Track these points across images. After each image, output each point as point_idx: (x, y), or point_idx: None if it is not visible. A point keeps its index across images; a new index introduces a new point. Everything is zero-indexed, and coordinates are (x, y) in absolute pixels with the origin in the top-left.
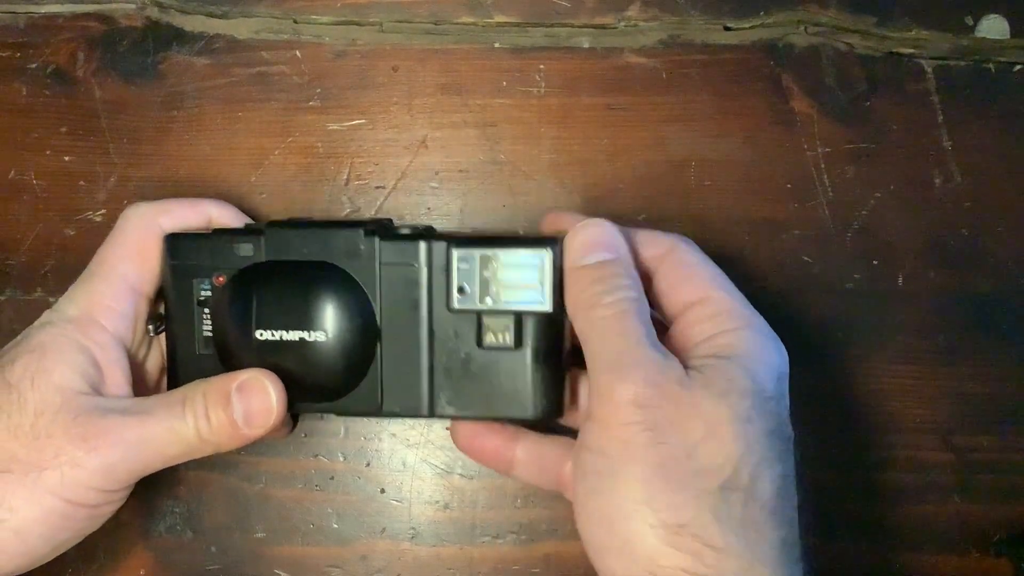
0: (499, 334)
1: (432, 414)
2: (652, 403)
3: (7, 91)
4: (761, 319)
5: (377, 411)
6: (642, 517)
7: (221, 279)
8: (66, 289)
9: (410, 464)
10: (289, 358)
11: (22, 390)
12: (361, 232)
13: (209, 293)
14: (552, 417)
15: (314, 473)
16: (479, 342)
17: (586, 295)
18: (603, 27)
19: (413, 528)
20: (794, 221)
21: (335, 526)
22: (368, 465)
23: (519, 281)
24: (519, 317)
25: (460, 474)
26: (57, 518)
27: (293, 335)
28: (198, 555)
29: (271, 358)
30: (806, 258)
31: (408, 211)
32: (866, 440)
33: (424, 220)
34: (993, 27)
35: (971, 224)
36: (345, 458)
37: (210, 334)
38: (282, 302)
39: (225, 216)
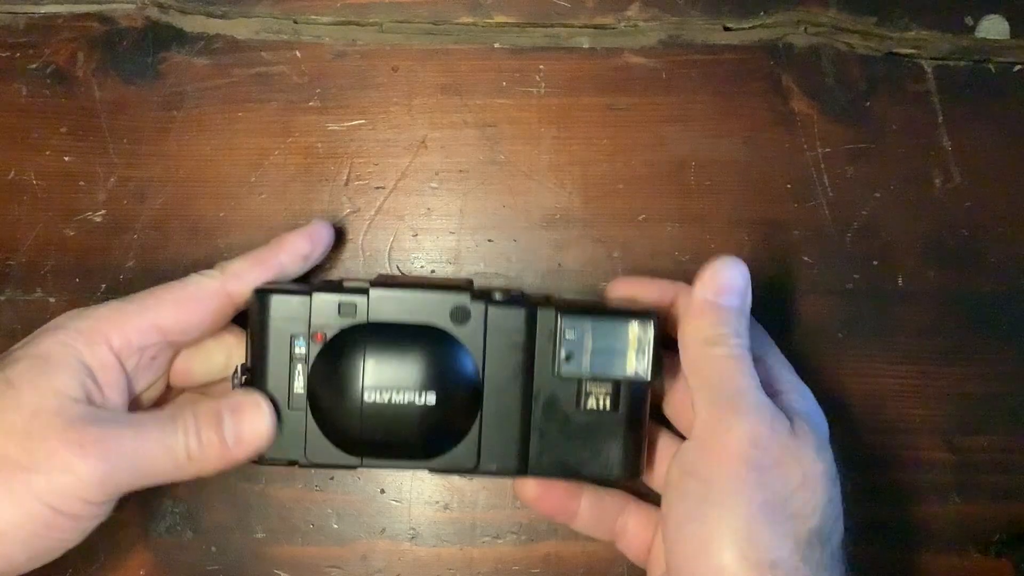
0: (599, 398)
1: (525, 473)
2: (765, 445)
3: (7, 91)
4: (804, 392)
5: (473, 469)
6: (739, 549)
7: (320, 336)
8: (66, 289)
9: None
10: (396, 419)
11: (20, 389)
12: (468, 296)
13: (304, 350)
14: (634, 478)
15: (314, 473)
16: (578, 405)
17: (713, 332)
18: (603, 27)
19: (413, 528)
20: (794, 221)
21: (335, 526)
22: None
23: (623, 349)
24: (618, 383)
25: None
26: (39, 525)
27: (402, 396)
28: (198, 555)
29: (377, 419)
30: (806, 258)
31: (408, 211)
32: (866, 440)
33: (424, 220)
34: (993, 27)
35: (971, 224)
36: None
37: (303, 392)
38: (392, 364)
39: (296, 261)
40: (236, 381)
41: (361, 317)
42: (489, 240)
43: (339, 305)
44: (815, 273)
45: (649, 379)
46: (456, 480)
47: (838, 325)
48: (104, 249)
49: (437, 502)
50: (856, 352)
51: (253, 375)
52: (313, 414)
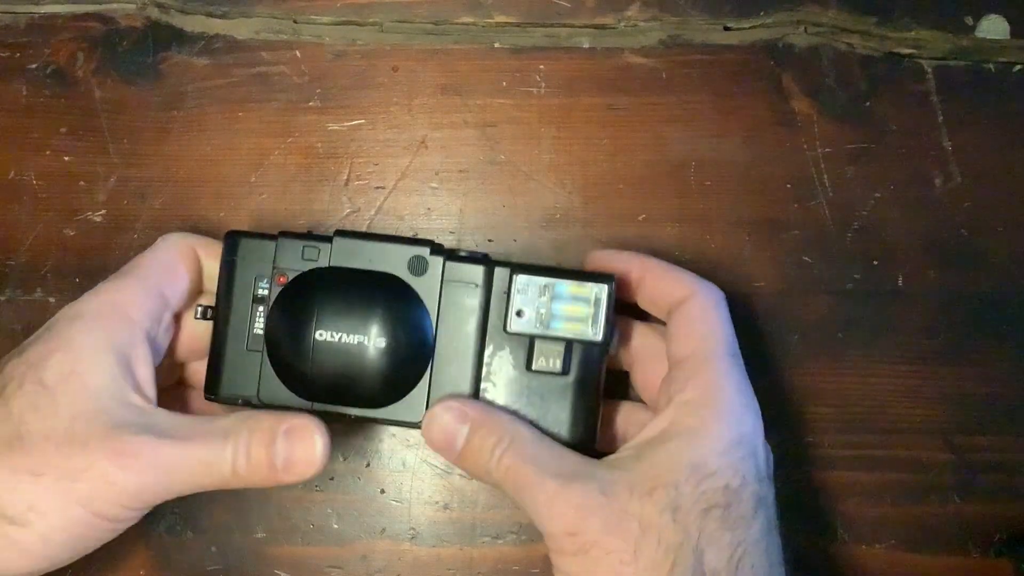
0: (549, 359)
1: None
2: (579, 526)
3: (7, 91)
4: (734, 389)
5: (418, 424)
6: None
7: (283, 279)
8: (66, 289)
9: (410, 464)
10: (344, 361)
11: (55, 391)
12: (428, 249)
13: (267, 291)
14: (587, 444)
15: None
16: (528, 365)
17: (479, 470)
18: (603, 27)
19: (413, 528)
20: (794, 221)
21: (335, 526)
22: (368, 465)
23: (575, 311)
24: (569, 345)
25: (460, 474)
26: (82, 528)
27: (353, 339)
28: (198, 555)
29: (326, 359)
30: (806, 258)
31: (408, 211)
32: (866, 440)
33: (424, 220)
34: (993, 27)
35: (971, 224)
36: (345, 458)
37: (261, 332)
38: (346, 306)
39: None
40: (197, 314)
41: (323, 262)
42: (489, 240)
43: (303, 249)
44: (815, 273)
45: (601, 341)
46: (456, 480)
47: (838, 325)
48: (104, 249)
49: (437, 502)
50: (856, 352)
51: (217, 313)
52: (269, 355)
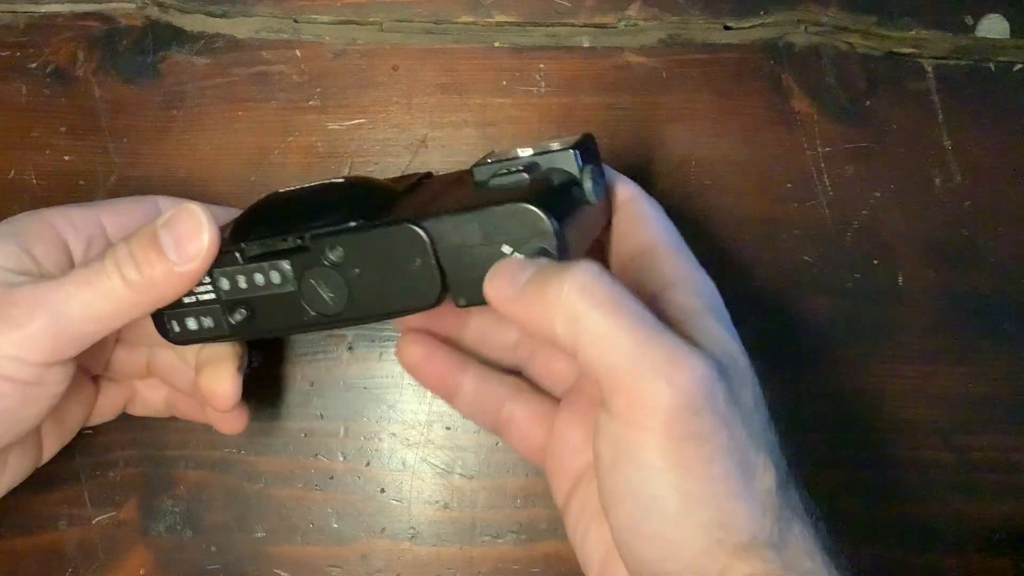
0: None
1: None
2: (708, 405)
3: (7, 91)
4: (707, 277)
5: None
6: (716, 541)
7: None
8: None
9: (410, 464)
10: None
11: None
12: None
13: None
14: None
15: (314, 473)
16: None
17: (552, 300)
18: (603, 27)
19: (413, 528)
20: (794, 221)
21: (335, 526)
22: (368, 465)
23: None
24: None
25: (460, 474)
26: None
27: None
28: (198, 555)
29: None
30: (806, 258)
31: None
32: (866, 440)
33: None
34: (993, 27)
35: (971, 224)
36: (345, 458)
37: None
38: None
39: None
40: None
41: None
42: None
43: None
44: (815, 273)
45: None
46: (456, 480)
47: (838, 325)
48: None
49: (437, 501)
50: (856, 352)
51: None
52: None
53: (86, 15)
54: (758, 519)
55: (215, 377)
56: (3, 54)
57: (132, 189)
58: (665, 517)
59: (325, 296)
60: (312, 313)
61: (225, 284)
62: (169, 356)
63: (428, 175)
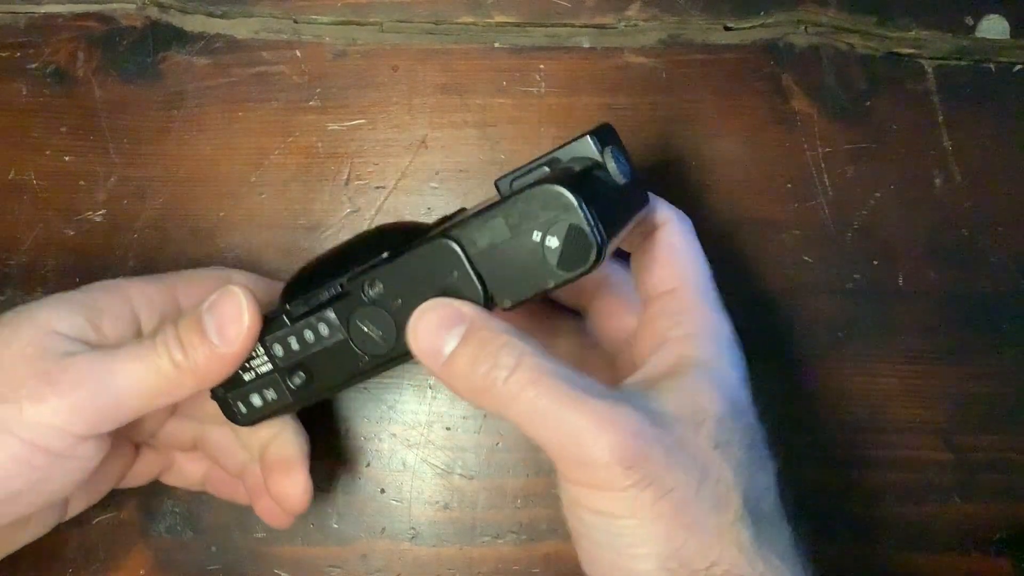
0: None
1: None
2: (640, 457)
3: (7, 91)
4: (725, 323)
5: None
6: (669, 569)
7: None
8: (66, 289)
9: (410, 464)
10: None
11: (4, 326)
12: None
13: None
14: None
15: (314, 473)
16: None
17: (483, 383)
18: (603, 27)
19: (413, 528)
20: (794, 221)
21: (335, 526)
22: (368, 465)
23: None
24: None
25: (460, 474)
26: (11, 460)
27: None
28: (198, 555)
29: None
30: (806, 258)
31: (408, 211)
32: (866, 440)
33: (424, 220)
34: (993, 27)
35: (971, 224)
36: (345, 458)
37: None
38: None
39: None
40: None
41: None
42: None
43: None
44: (815, 273)
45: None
46: (456, 480)
47: (838, 325)
48: (104, 249)
49: (437, 502)
50: (856, 352)
51: None
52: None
53: (86, 15)
54: (715, 549)
55: (288, 481)
56: (3, 54)
57: (132, 189)
58: (619, 554)
59: (374, 336)
60: (366, 357)
61: (279, 350)
62: (223, 436)
63: (462, 209)
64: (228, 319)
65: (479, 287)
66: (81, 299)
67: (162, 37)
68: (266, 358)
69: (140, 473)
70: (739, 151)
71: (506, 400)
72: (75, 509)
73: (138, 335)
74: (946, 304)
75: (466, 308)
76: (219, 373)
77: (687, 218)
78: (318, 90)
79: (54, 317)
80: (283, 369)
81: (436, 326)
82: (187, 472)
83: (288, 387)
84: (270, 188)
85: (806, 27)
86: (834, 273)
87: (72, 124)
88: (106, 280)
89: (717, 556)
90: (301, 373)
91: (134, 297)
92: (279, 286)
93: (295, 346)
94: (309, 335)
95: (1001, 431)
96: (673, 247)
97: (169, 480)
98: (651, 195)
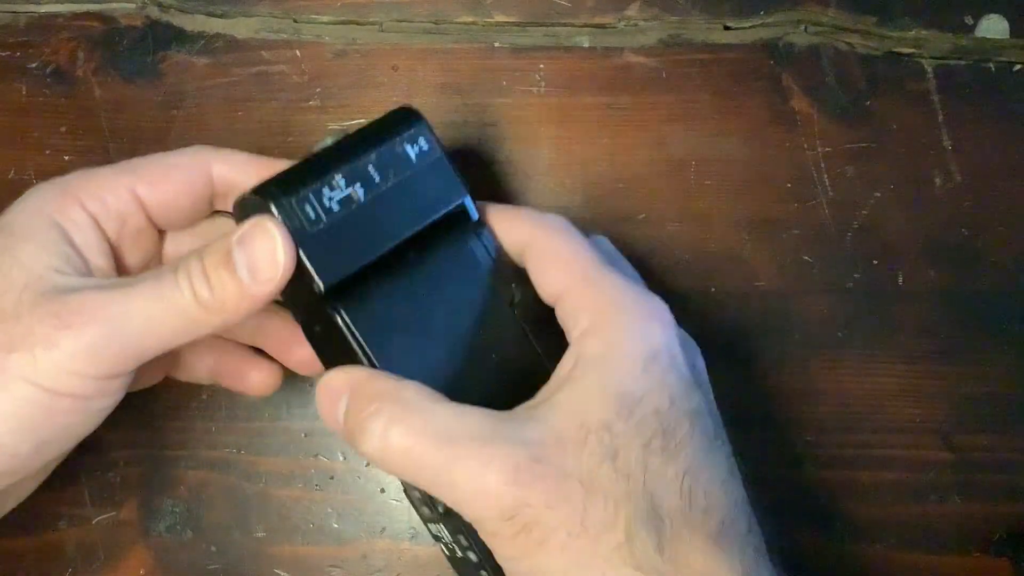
0: None
1: None
2: (517, 503)
3: (7, 91)
4: (629, 299)
5: None
6: None
7: None
8: None
9: None
10: None
11: None
12: None
13: None
14: None
15: (314, 473)
16: None
17: (371, 453)
18: (603, 27)
19: (413, 528)
20: (794, 221)
21: (335, 526)
22: (368, 465)
23: None
24: None
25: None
26: (37, 410)
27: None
28: (198, 555)
29: None
30: (806, 258)
31: None
32: (866, 440)
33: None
34: (993, 27)
35: (971, 224)
36: (345, 458)
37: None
38: None
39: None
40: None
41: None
42: None
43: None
44: (815, 273)
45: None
46: None
47: (838, 325)
48: None
49: None
50: (856, 352)
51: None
52: None
53: (86, 15)
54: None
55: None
56: (3, 54)
57: None
58: None
59: None
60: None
61: None
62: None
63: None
64: (261, 257)
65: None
66: (40, 217)
67: (162, 37)
68: None
69: (148, 375)
70: (739, 151)
71: (396, 468)
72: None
73: (108, 248)
74: (946, 304)
75: (350, 374)
76: (248, 311)
77: (555, 216)
78: (318, 90)
79: (41, 253)
80: None
81: (328, 400)
82: (195, 366)
83: None
84: None
85: (806, 27)
86: (834, 273)
87: (72, 124)
88: (48, 187)
89: None
90: None
91: (87, 202)
92: (279, 164)
93: None
94: None
95: (1001, 431)
96: (547, 251)
97: (179, 375)
98: (517, 209)
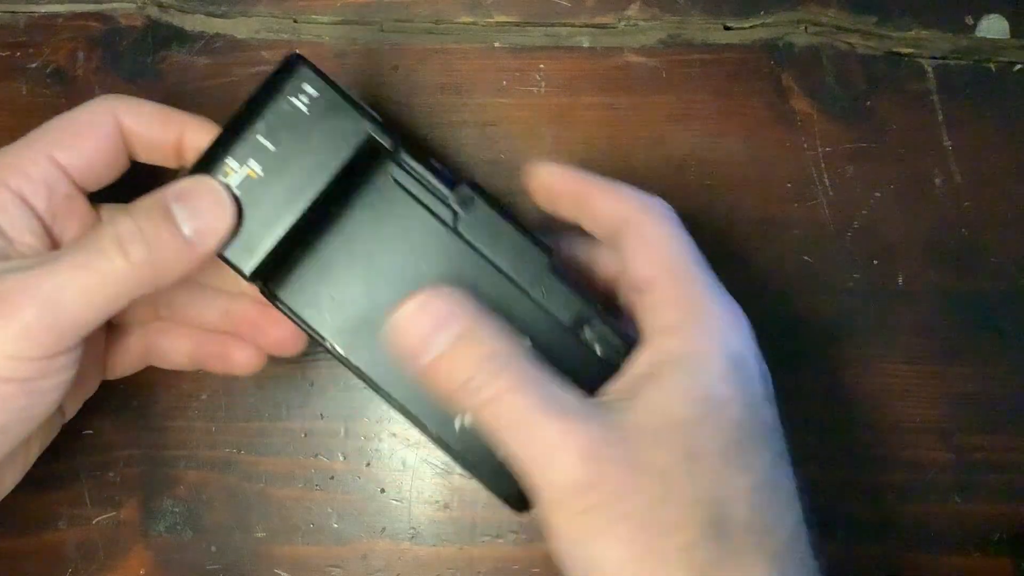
0: None
1: None
2: (594, 480)
3: (7, 91)
4: (719, 305)
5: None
6: None
7: None
8: None
9: (410, 464)
10: None
11: None
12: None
13: None
14: None
15: (314, 473)
16: None
17: (463, 389)
18: (603, 27)
19: (413, 528)
20: (794, 221)
21: (335, 526)
22: (368, 465)
23: None
24: None
25: (460, 474)
26: None
27: None
28: (198, 555)
29: None
30: (806, 258)
31: None
32: (866, 440)
33: None
34: (993, 27)
35: (971, 224)
36: (345, 458)
37: None
38: None
39: (203, 139)
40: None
41: None
42: None
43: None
44: (815, 273)
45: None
46: (456, 479)
47: (838, 325)
48: None
49: (437, 501)
50: (856, 352)
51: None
52: None
53: (86, 15)
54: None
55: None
56: (3, 54)
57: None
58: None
59: None
60: None
61: None
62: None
63: None
64: (205, 209)
65: None
66: None
67: (162, 37)
68: None
69: (124, 362)
70: (739, 151)
71: (480, 406)
72: (72, 410)
73: (37, 221)
74: (946, 304)
75: (462, 307)
76: (187, 269)
77: (659, 202)
78: None
79: None
80: None
81: (429, 326)
82: (171, 350)
83: None
84: None
85: (806, 27)
86: (834, 273)
87: None
88: None
89: None
90: None
91: (9, 179)
92: (183, 115)
93: None
94: None
95: (1001, 431)
96: (648, 234)
97: (158, 363)
98: (622, 185)
